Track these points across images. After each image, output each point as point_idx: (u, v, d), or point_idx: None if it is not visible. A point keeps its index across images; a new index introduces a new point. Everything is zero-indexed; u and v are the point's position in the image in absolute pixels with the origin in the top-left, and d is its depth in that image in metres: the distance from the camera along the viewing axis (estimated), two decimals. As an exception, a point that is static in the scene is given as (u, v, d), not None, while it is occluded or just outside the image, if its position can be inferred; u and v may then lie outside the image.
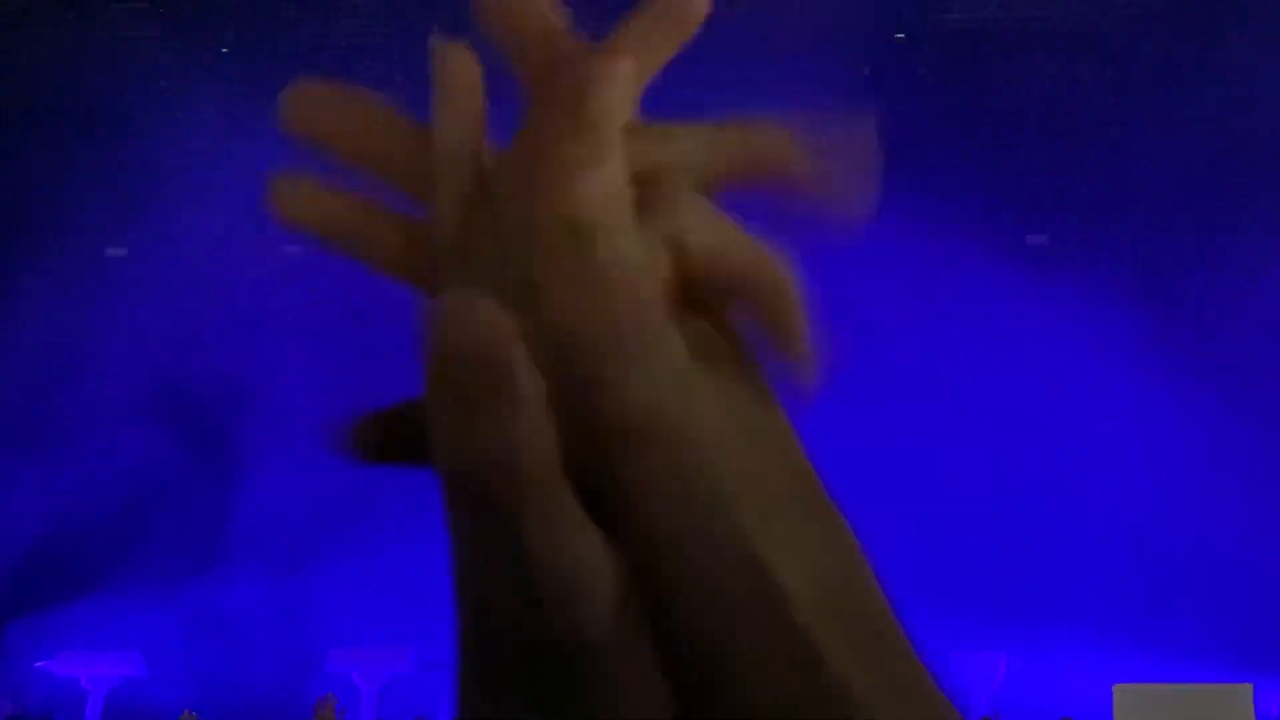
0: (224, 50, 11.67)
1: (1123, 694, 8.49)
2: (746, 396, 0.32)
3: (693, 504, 0.29)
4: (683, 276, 0.32)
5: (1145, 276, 11.21)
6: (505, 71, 0.33)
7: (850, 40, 10.40)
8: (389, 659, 10.26)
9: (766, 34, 10.55)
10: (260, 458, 10.50)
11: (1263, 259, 10.72)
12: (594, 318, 0.30)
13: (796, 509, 0.31)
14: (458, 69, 0.34)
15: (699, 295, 0.32)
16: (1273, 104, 10.76)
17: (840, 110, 0.33)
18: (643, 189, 0.32)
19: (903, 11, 11.00)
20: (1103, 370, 11.06)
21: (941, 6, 11.16)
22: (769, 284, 0.33)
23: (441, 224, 0.32)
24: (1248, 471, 10.79)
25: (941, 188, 10.71)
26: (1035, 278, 10.99)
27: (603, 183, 0.31)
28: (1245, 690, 8.49)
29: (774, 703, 0.28)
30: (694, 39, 0.34)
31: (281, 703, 10.18)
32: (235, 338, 10.81)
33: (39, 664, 10.70)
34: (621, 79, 0.32)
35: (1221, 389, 10.57)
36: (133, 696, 10.41)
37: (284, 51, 10.83)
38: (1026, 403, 11.22)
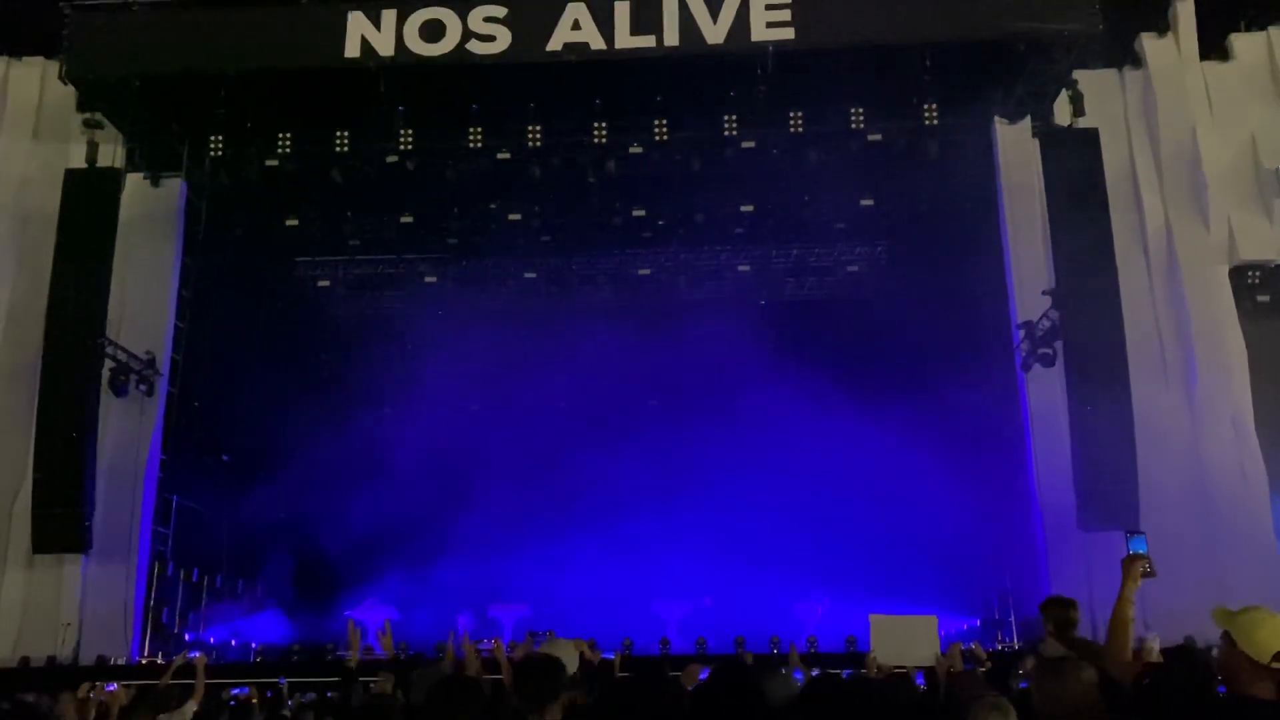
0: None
1: (876, 621, 10.59)
2: None
3: None
4: None
5: (913, 404, 20.14)
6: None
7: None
8: (517, 608, 20.40)
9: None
10: (468, 508, 20.68)
11: (959, 385, 19.62)
12: None
13: None
14: None
15: None
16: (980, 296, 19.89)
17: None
18: None
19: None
20: (896, 451, 20.08)
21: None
22: None
23: None
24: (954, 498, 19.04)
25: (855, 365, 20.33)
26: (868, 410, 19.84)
27: None
28: (933, 619, 11.68)
29: None
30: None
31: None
32: (456, 449, 20.86)
33: (348, 613, 21.13)
34: None
35: (945, 455, 19.29)
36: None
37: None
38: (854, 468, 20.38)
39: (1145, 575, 4.46)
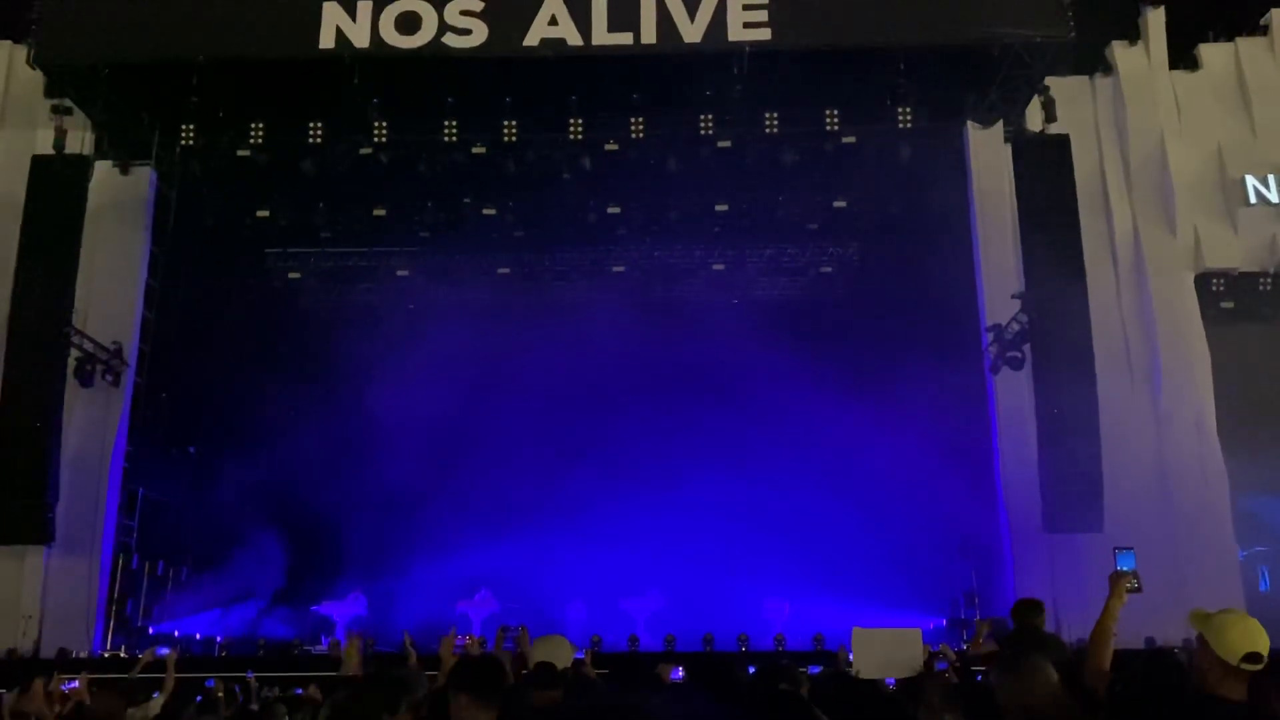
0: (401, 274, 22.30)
1: (859, 634, 9.84)
2: None
3: None
4: None
5: (882, 405, 20.13)
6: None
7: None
8: (488, 603, 20.36)
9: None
10: (437, 503, 20.52)
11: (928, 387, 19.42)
12: None
13: None
14: None
15: None
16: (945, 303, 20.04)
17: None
18: None
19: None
20: (864, 451, 20.20)
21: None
22: None
23: None
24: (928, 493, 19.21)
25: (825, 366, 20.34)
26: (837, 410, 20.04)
27: None
28: (917, 631, 10.99)
29: None
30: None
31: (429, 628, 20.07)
32: (426, 444, 20.62)
33: (314, 607, 20.97)
34: None
35: (912, 455, 19.35)
36: (359, 624, 20.60)
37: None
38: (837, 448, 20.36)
39: (1131, 590, 4.53)
